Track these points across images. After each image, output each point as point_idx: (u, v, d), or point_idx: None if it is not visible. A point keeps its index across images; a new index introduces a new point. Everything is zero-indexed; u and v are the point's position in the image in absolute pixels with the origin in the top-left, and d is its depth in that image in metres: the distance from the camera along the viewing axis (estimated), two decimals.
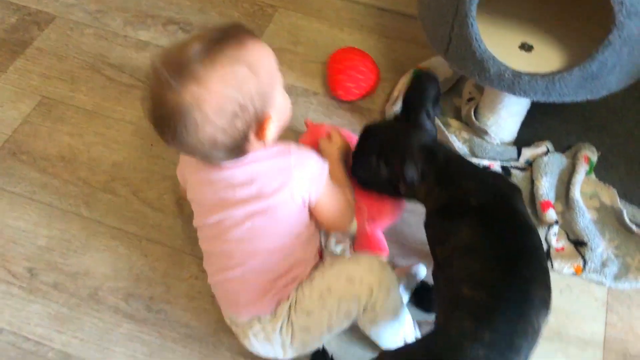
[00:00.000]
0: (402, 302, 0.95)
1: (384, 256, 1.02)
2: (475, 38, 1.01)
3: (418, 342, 0.85)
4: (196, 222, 0.95)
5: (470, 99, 1.28)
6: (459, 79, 1.34)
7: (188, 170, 0.94)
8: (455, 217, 0.88)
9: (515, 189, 0.93)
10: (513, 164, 1.24)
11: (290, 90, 1.36)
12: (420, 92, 0.98)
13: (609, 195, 1.19)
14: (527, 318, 0.77)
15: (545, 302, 0.80)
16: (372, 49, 1.43)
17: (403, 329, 0.95)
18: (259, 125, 0.83)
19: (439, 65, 1.32)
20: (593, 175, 1.22)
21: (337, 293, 0.88)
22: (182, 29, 1.48)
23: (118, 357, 1.00)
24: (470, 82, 1.31)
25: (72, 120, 1.30)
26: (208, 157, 0.84)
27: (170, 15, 1.51)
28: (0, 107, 1.31)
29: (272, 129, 0.85)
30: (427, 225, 0.94)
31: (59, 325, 1.03)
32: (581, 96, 1.03)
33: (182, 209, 1.17)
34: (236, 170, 0.87)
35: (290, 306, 0.89)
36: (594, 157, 1.23)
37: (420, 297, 1.05)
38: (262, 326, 0.90)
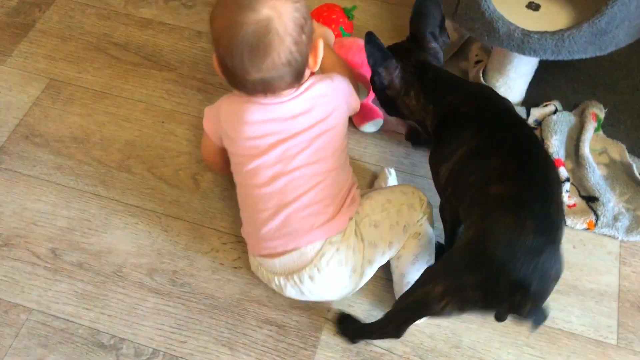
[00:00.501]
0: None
1: (381, 119, 1.22)
2: None
3: (462, 252, 0.82)
4: (247, 167, 0.95)
5: (477, 62, 1.28)
6: (464, 43, 1.34)
7: (229, 116, 0.96)
8: (451, 125, 0.94)
9: (501, 97, 0.98)
10: None
11: None
12: (425, 16, 1.04)
13: (618, 151, 1.20)
14: (555, 196, 0.81)
15: (558, 179, 0.87)
16: (375, 16, 1.43)
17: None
18: (314, 47, 0.93)
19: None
20: (601, 132, 1.23)
21: (396, 202, 0.98)
22: (184, 4, 1.47)
23: (147, 330, 1.02)
24: (476, 45, 1.32)
25: (82, 101, 1.30)
26: (275, 81, 0.89)
27: None
28: (9, 91, 1.31)
29: (321, 52, 0.94)
30: (432, 151, 0.99)
31: (87, 303, 1.05)
32: (590, 52, 1.04)
33: (199, 184, 1.18)
34: (295, 101, 0.94)
35: (356, 222, 0.96)
36: (602, 114, 1.24)
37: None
38: (335, 248, 0.92)
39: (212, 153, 1.07)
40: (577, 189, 1.16)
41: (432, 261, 1.02)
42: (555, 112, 1.24)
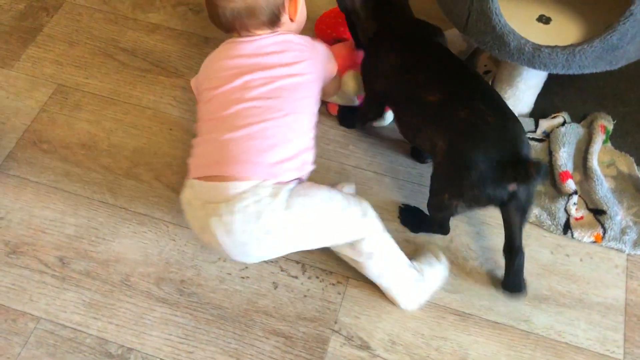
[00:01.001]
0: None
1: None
2: (495, 12, 1.01)
3: (446, 164, 0.96)
4: (208, 97, 0.97)
5: (486, 72, 1.28)
6: (473, 53, 1.34)
7: (211, 63, 1.01)
8: (382, 42, 1.09)
9: (437, 28, 1.12)
10: (530, 135, 1.25)
11: None
12: None
13: (626, 163, 1.20)
14: (483, 84, 1.01)
15: (477, 74, 1.05)
16: None
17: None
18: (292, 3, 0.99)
19: (453, 38, 1.32)
20: (609, 144, 1.23)
21: (338, 204, 0.97)
22: (191, 10, 1.47)
23: (154, 340, 1.03)
24: (485, 55, 1.31)
25: (89, 107, 1.30)
26: (251, 16, 0.95)
27: None
28: (17, 96, 1.31)
29: (300, 12, 1.02)
30: (363, 62, 1.14)
31: (94, 312, 1.05)
32: (600, 67, 1.04)
33: None
34: (269, 39, 0.98)
35: (291, 192, 0.92)
36: (610, 126, 1.24)
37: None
38: (257, 198, 0.88)
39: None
40: (584, 201, 1.16)
41: (402, 261, 1.04)
42: (563, 123, 1.24)
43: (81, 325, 1.04)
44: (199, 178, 0.92)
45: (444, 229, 1.12)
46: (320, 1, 1.42)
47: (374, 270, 1.02)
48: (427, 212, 1.08)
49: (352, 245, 0.99)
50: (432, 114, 0.97)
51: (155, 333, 1.04)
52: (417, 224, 1.15)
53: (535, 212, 1.15)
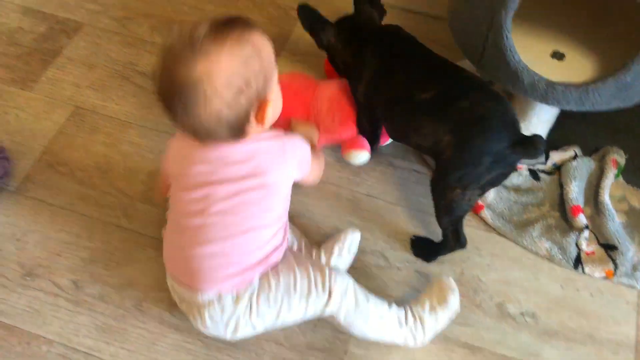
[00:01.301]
0: (368, 303, 1.00)
1: (368, 152, 1.22)
2: (510, 49, 1.02)
3: (455, 155, 0.99)
4: (175, 194, 0.98)
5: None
6: None
7: (179, 153, 0.98)
8: (360, 54, 1.13)
9: (409, 35, 1.15)
10: (540, 167, 1.26)
11: None
12: None
13: (638, 198, 1.21)
14: (462, 71, 1.05)
15: (454, 64, 1.08)
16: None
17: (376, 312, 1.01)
18: (260, 106, 0.89)
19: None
20: (621, 179, 1.24)
21: (300, 290, 0.96)
22: None
23: None
24: (497, 86, 1.32)
25: (106, 129, 1.32)
26: (210, 134, 0.88)
27: (195, 20, 1.51)
28: (35, 117, 1.33)
29: (270, 114, 0.91)
30: (348, 79, 1.21)
31: (107, 337, 1.06)
32: (614, 105, 1.05)
33: None
34: (234, 149, 0.92)
35: (253, 292, 0.95)
36: (622, 160, 1.25)
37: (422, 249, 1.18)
38: (221, 307, 0.95)
39: (164, 185, 1.09)
40: (595, 236, 1.17)
41: (369, 300, 1.01)
42: (575, 157, 1.24)
43: (93, 350, 1.05)
44: (172, 277, 1.00)
45: (460, 240, 1.10)
46: None
47: (346, 327, 1.01)
48: (437, 240, 1.10)
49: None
50: (430, 110, 1.01)
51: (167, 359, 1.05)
52: (431, 251, 1.16)
53: (546, 245, 1.16)
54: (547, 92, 1.03)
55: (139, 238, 1.17)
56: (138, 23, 1.51)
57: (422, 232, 1.19)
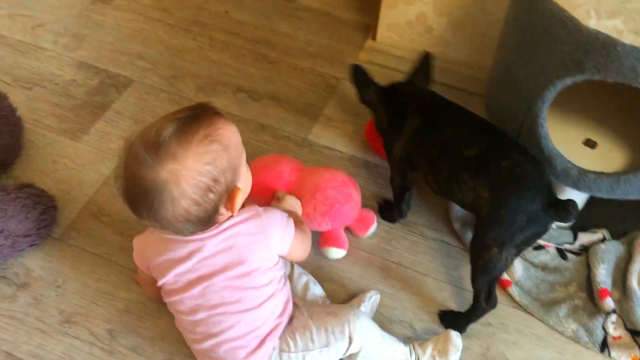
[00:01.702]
0: (384, 340, 1.05)
1: (344, 250, 1.24)
2: (544, 137, 1.07)
3: (492, 216, 1.04)
4: (171, 298, 0.99)
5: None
6: None
7: (153, 253, 0.97)
8: (400, 113, 1.20)
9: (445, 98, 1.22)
10: (568, 247, 1.28)
11: (351, 160, 1.43)
12: (415, 68, 1.29)
13: None
14: (502, 133, 1.11)
15: (493, 126, 1.14)
16: None
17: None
18: (229, 196, 0.90)
19: None
20: None
21: (319, 343, 0.99)
22: (250, 97, 1.56)
23: None
24: None
25: None
26: (179, 230, 0.89)
27: (239, 83, 1.59)
28: (83, 168, 1.40)
29: (240, 200, 0.91)
30: (384, 137, 1.29)
31: None
32: None
33: None
34: (210, 240, 0.92)
35: (275, 357, 0.99)
36: None
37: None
38: None
39: (146, 282, 1.10)
40: (623, 321, 1.18)
41: (385, 338, 1.06)
42: (603, 240, 1.26)
43: None
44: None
45: (492, 300, 1.12)
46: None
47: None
48: (466, 312, 1.13)
49: None
50: (472, 167, 1.06)
51: None
52: (462, 321, 1.17)
53: (572, 326, 1.17)
54: (579, 179, 1.07)
55: None
56: (184, 82, 1.59)
57: (451, 304, 1.21)
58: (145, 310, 1.18)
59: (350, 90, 1.58)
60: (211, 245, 0.93)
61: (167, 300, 1.01)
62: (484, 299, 1.12)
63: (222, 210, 0.90)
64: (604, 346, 1.15)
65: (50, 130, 1.47)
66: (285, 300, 1.02)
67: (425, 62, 1.27)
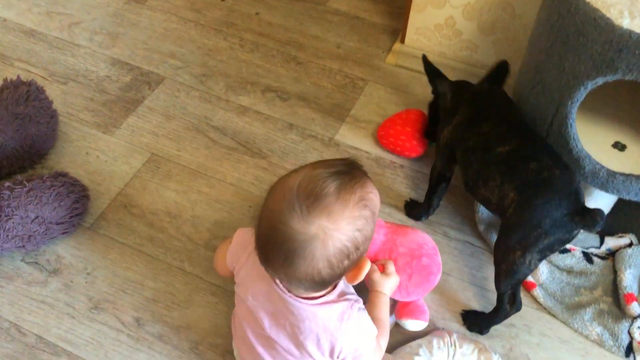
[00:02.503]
0: None
1: (425, 322, 1.15)
2: (573, 137, 1.07)
3: (517, 217, 1.05)
4: (239, 293, 0.98)
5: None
6: None
7: (247, 270, 0.96)
8: (456, 104, 1.21)
9: (506, 95, 1.22)
10: (594, 251, 1.27)
11: (377, 161, 1.44)
12: (489, 72, 1.29)
13: None
14: (538, 135, 1.12)
15: (532, 129, 1.14)
16: None
17: None
18: (357, 266, 0.85)
19: None
20: None
21: None
22: (279, 97, 1.58)
23: None
24: None
25: (178, 177, 1.40)
26: (291, 285, 0.86)
27: (268, 82, 1.62)
28: (115, 161, 1.43)
29: (365, 272, 0.86)
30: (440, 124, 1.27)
31: None
32: None
33: None
34: (299, 306, 0.88)
35: None
36: None
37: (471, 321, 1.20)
38: None
39: (222, 266, 1.07)
40: None
41: None
42: (630, 245, 1.26)
43: None
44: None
45: (516, 303, 1.11)
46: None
47: None
48: (489, 314, 1.14)
49: None
50: (502, 164, 1.06)
51: None
52: (485, 322, 1.17)
53: (597, 330, 1.16)
54: (607, 180, 1.07)
55: (200, 283, 1.23)
56: (215, 81, 1.62)
57: (474, 305, 1.22)
58: (173, 299, 1.20)
59: (377, 91, 1.60)
60: (293, 309, 0.88)
61: (236, 287, 1.00)
62: (508, 301, 1.12)
63: (344, 277, 0.86)
64: (629, 351, 1.14)
65: (83, 123, 1.50)
66: None
67: (500, 68, 1.26)
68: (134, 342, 1.15)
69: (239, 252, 0.99)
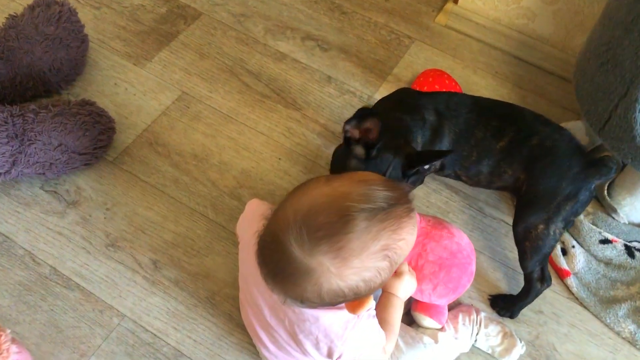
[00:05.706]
0: None
1: (439, 325, 1.05)
2: (639, 123, 0.99)
3: (532, 194, 1.04)
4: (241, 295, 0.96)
5: None
6: (593, 149, 1.31)
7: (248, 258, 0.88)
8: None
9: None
10: (637, 245, 1.21)
11: None
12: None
13: None
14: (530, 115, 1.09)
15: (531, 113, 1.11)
16: (504, 97, 1.42)
17: None
18: (359, 301, 0.76)
19: (576, 132, 1.30)
20: None
21: None
22: (320, 46, 1.50)
23: None
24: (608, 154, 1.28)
25: (208, 120, 1.34)
26: (298, 300, 0.75)
27: (309, 30, 1.53)
28: (144, 95, 1.37)
29: (366, 308, 0.77)
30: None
31: (176, 323, 1.07)
32: None
33: None
34: (300, 312, 0.83)
35: None
36: None
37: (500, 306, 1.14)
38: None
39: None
40: None
41: None
42: None
43: (161, 333, 1.06)
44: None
45: (546, 278, 1.07)
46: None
47: None
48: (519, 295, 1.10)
49: None
50: (507, 155, 1.05)
51: (229, 358, 1.05)
52: (515, 306, 1.11)
53: (630, 327, 1.11)
54: None
55: (222, 231, 1.18)
56: (254, 22, 1.54)
57: (503, 285, 1.16)
58: (193, 246, 1.16)
59: (422, 52, 1.52)
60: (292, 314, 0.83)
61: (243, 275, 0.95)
62: (537, 279, 1.07)
63: (344, 307, 0.79)
64: None
65: (114, 52, 1.44)
66: None
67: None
68: (150, 285, 1.11)
69: (247, 225, 0.91)
